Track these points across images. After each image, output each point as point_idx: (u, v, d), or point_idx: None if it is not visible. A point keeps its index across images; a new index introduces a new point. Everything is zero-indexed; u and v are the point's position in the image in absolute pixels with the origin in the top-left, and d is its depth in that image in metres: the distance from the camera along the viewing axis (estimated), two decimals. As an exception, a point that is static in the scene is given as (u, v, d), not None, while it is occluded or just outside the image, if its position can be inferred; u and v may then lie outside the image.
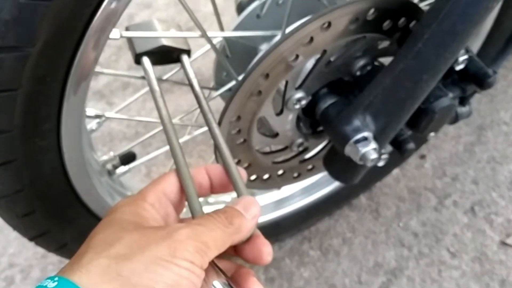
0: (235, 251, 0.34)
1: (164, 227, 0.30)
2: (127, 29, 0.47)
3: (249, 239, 0.33)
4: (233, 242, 0.31)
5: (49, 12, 0.34)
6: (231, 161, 0.37)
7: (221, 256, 0.31)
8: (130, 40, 0.46)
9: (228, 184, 0.36)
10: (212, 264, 0.31)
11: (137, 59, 0.45)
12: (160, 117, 0.39)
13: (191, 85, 0.44)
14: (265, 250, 0.32)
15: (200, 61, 1.17)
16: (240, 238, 0.32)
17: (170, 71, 0.64)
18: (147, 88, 0.57)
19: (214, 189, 0.37)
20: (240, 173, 0.37)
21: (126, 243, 0.28)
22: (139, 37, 0.46)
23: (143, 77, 0.45)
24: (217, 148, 0.39)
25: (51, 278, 0.26)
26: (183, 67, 0.46)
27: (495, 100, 1.07)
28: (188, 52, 0.48)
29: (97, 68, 0.57)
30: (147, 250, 0.28)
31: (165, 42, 0.46)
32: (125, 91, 1.12)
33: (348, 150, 0.51)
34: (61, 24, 0.35)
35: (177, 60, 0.47)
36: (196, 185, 0.35)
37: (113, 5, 0.37)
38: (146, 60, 0.44)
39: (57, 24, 0.35)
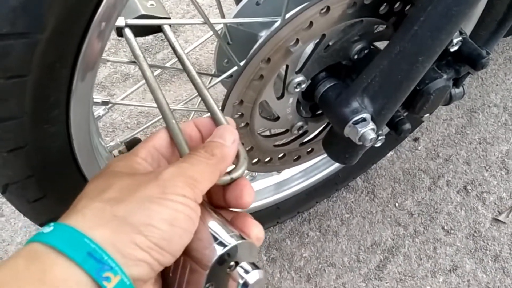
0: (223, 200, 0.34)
1: (152, 172, 0.31)
2: None
3: (232, 182, 0.33)
4: (221, 171, 0.32)
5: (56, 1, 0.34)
6: (212, 102, 0.38)
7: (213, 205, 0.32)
8: None
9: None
10: (207, 206, 0.32)
11: (119, 32, 0.44)
12: (145, 78, 0.39)
13: (173, 49, 0.43)
14: (246, 189, 0.33)
15: (198, 52, 1.18)
16: (226, 165, 0.32)
17: (168, 61, 0.65)
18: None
19: (205, 140, 0.36)
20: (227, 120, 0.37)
21: (118, 187, 0.29)
22: (170, 21, 0.45)
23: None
24: (200, 95, 0.40)
25: (47, 225, 0.27)
26: (165, 35, 0.46)
27: (486, 83, 1.09)
28: (168, 20, 0.47)
29: (104, 55, 0.57)
30: (138, 191, 0.28)
31: (144, 11, 0.46)
32: (125, 82, 1.13)
33: (348, 131, 0.53)
34: (69, 11, 0.36)
35: (159, 29, 0.47)
36: (186, 137, 0.35)
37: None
38: (128, 31, 0.44)
39: (65, 10, 0.35)
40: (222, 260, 0.29)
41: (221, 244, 0.29)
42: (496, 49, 1.17)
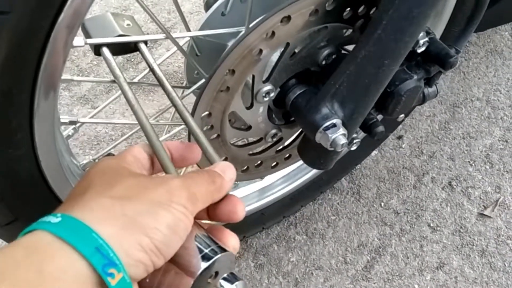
0: (208, 215, 0.35)
1: (157, 177, 0.31)
2: (83, 24, 0.47)
3: (224, 198, 0.35)
4: (213, 200, 0.33)
5: (6, 27, 0.34)
6: (199, 132, 0.39)
7: (196, 219, 0.33)
8: (86, 32, 0.46)
9: (187, 157, 0.38)
10: (194, 220, 0.33)
11: (97, 50, 0.45)
12: (126, 98, 0.40)
13: (151, 70, 0.44)
14: (239, 205, 0.34)
15: (168, 61, 1.18)
16: (219, 196, 0.34)
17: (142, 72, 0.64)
18: (118, 93, 0.58)
19: (175, 162, 0.38)
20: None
21: (126, 186, 0.29)
22: (97, 29, 0.46)
23: (113, 81, 0.46)
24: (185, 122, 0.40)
25: (54, 215, 0.27)
26: (142, 55, 0.47)
27: (468, 77, 1.10)
28: (145, 40, 0.48)
29: (68, 76, 0.57)
30: (146, 193, 0.29)
31: (122, 31, 0.46)
32: (108, 94, 1.13)
33: (319, 137, 0.53)
34: (20, 37, 0.35)
35: (136, 49, 0.48)
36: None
37: (72, 14, 0.37)
38: (105, 50, 0.45)
39: (16, 37, 0.35)
40: (207, 271, 0.31)
41: (207, 255, 0.31)
42: (477, 42, 1.18)
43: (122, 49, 0.48)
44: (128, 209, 0.28)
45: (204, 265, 0.30)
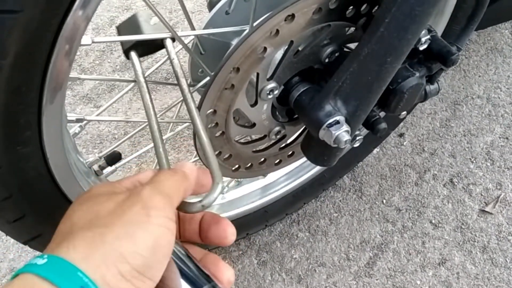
0: (200, 238, 0.36)
1: (130, 193, 0.32)
2: (117, 28, 0.50)
3: (215, 220, 0.35)
4: (185, 189, 0.34)
5: (16, 25, 0.35)
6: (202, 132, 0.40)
7: (187, 243, 0.33)
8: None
9: (202, 185, 0.38)
10: (180, 247, 0.34)
11: (126, 55, 0.48)
12: (143, 98, 0.42)
13: (172, 67, 0.46)
14: (229, 229, 0.35)
15: (182, 59, 1.18)
16: (189, 184, 0.34)
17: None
18: (127, 89, 0.59)
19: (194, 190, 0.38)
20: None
21: (105, 215, 0.30)
22: (128, 38, 0.48)
23: (118, 80, 0.47)
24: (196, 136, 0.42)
25: (40, 257, 0.28)
26: (167, 51, 0.48)
27: (468, 75, 1.10)
28: (172, 37, 0.49)
29: (76, 74, 0.58)
30: (124, 216, 0.29)
31: (146, 32, 0.48)
32: (111, 93, 1.13)
33: (322, 134, 0.53)
34: (30, 35, 0.36)
35: (162, 45, 0.49)
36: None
37: (80, 13, 0.38)
38: (133, 54, 0.47)
39: (26, 35, 0.36)
40: None
41: None
42: (478, 40, 1.18)
43: (149, 49, 0.50)
44: (108, 237, 0.28)
45: None
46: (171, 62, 0.46)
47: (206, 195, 0.35)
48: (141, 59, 0.50)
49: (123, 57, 1.26)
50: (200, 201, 0.34)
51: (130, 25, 0.50)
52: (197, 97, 0.65)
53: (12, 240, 0.90)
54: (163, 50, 0.49)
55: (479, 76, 1.10)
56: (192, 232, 0.38)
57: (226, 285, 0.34)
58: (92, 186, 0.36)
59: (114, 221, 0.29)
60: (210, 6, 0.64)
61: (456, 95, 1.07)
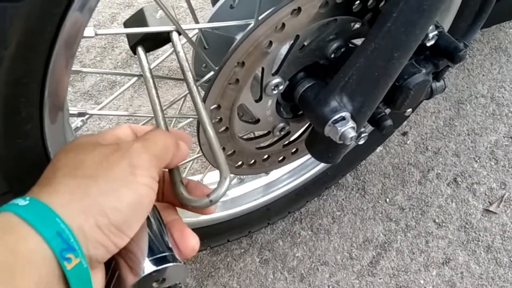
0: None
1: (119, 146, 0.32)
2: (124, 24, 0.48)
3: (200, 188, 0.36)
4: (173, 159, 0.34)
5: (18, 14, 0.34)
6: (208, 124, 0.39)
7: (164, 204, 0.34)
8: (126, 35, 0.48)
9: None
10: (154, 208, 0.33)
11: (133, 51, 0.47)
12: (152, 106, 0.41)
13: (177, 58, 0.45)
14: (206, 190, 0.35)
15: (172, 57, 1.18)
16: (180, 155, 0.34)
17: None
18: (131, 82, 0.58)
19: None
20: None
21: (92, 163, 0.30)
22: (132, 30, 0.48)
23: (121, 73, 0.47)
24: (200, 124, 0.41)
25: (23, 198, 0.28)
26: (172, 44, 0.47)
27: (472, 74, 1.09)
28: (177, 30, 0.48)
29: (78, 67, 0.57)
30: (110, 170, 0.29)
31: (151, 25, 0.47)
32: (112, 89, 1.13)
33: (328, 130, 0.52)
34: (32, 25, 0.35)
35: (168, 39, 0.48)
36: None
37: (83, 3, 0.37)
38: (140, 50, 0.46)
39: (28, 25, 0.35)
40: (152, 275, 0.31)
41: (156, 261, 0.31)
42: (482, 39, 1.17)
43: (155, 43, 0.49)
44: (92, 189, 0.28)
45: (149, 269, 0.30)
46: (177, 56, 0.45)
47: (214, 189, 0.34)
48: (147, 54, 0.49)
49: (124, 54, 1.25)
50: (208, 196, 0.34)
51: (137, 19, 0.50)
52: (201, 93, 0.65)
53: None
54: (167, 47, 0.49)
55: (483, 75, 1.09)
56: (172, 195, 0.37)
57: (189, 253, 0.34)
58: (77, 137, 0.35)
59: (99, 173, 0.29)
60: (214, 1, 0.63)
61: (460, 94, 1.06)
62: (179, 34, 0.48)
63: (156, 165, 0.31)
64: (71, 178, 0.29)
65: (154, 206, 0.34)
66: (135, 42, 0.49)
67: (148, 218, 0.32)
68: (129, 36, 0.49)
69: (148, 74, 0.45)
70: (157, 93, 0.42)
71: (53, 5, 0.35)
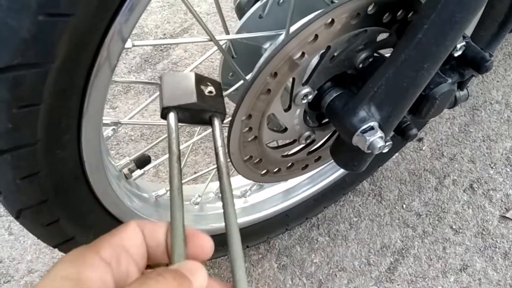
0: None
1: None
2: (160, 78, 0.41)
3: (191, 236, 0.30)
4: None
5: (67, 28, 0.35)
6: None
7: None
8: (160, 90, 0.40)
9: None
10: None
11: (164, 113, 0.39)
12: (170, 181, 0.33)
13: (216, 153, 0.37)
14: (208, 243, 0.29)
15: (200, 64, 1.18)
16: None
17: (168, 70, 0.64)
18: (156, 94, 0.57)
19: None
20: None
21: None
22: (171, 90, 0.40)
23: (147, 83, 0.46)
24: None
25: None
26: (213, 130, 0.40)
27: (486, 80, 1.10)
28: (222, 115, 0.41)
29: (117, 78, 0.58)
30: None
31: (199, 100, 0.40)
32: (127, 94, 1.13)
33: (356, 140, 0.53)
34: (79, 39, 0.36)
35: (208, 122, 0.41)
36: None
37: (126, 17, 0.38)
38: (172, 115, 0.38)
39: (75, 39, 0.36)
40: None
41: None
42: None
43: (191, 119, 0.41)
44: None
45: None
46: (214, 141, 0.38)
47: None
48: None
49: (138, 58, 1.25)
50: None
51: (180, 83, 0.41)
52: (227, 101, 0.64)
53: (29, 241, 0.89)
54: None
55: (497, 82, 1.09)
56: (160, 254, 0.30)
57: (200, 252, 0.29)
58: (62, 257, 0.27)
59: None
60: (238, 10, 0.64)
61: (475, 100, 1.06)
62: (222, 121, 0.41)
63: None
64: None
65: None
66: (172, 106, 0.39)
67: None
68: (165, 96, 0.39)
69: (174, 147, 0.35)
70: (180, 174, 0.34)
71: (98, 19, 0.36)
